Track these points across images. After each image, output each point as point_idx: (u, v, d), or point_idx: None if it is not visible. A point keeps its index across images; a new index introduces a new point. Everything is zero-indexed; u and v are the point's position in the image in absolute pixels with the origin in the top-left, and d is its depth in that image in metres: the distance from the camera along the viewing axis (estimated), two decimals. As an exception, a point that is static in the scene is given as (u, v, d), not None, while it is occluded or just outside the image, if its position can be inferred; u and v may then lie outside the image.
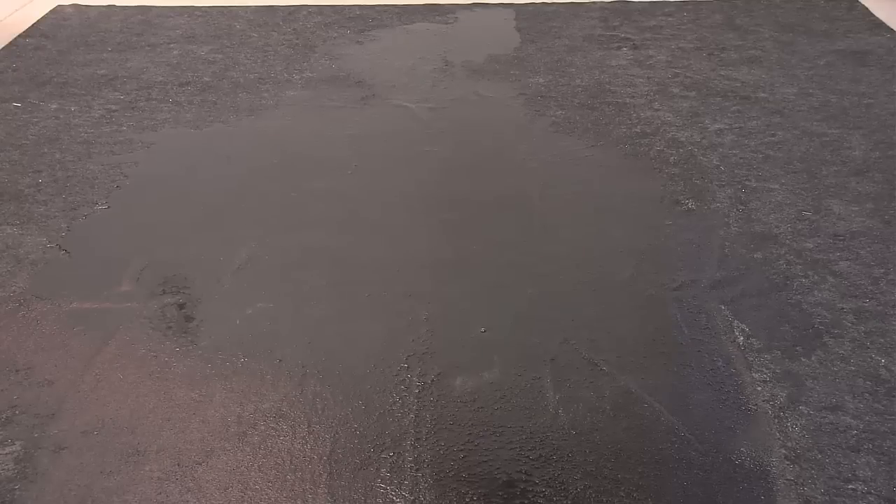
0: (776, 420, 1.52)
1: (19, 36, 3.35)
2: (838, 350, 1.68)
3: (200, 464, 1.46)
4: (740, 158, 2.38)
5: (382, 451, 1.48)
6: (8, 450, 1.49)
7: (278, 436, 1.52)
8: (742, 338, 1.72)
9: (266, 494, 1.40)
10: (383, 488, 1.41)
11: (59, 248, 2.05)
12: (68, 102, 2.80)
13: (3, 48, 3.23)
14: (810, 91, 2.78)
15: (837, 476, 1.41)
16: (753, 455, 1.45)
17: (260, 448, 1.49)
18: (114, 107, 2.77)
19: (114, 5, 3.70)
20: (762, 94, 2.77)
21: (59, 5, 3.69)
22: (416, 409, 1.56)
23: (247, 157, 2.47)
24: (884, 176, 2.28)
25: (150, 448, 1.49)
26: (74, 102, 2.80)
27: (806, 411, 1.54)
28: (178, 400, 1.60)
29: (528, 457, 1.47)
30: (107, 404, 1.59)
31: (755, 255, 1.97)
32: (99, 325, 1.79)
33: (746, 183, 2.26)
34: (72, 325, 1.79)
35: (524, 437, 1.50)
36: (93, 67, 3.07)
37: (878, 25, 3.30)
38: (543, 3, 3.68)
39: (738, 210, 2.14)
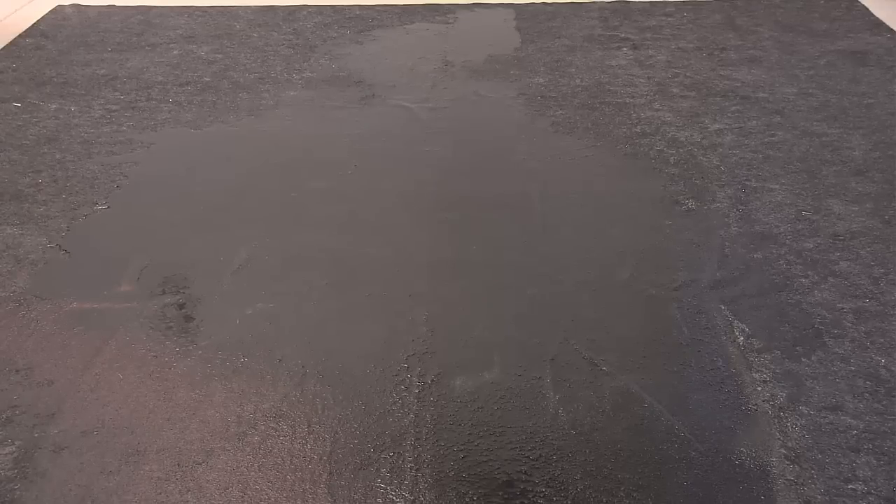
0: (776, 420, 1.52)
1: (19, 36, 3.35)
2: (838, 350, 1.68)
3: (200, 464, 1.46)
4: (740, 158, 2.38)
5: (382, 451, 1.48)
6: (8, 450, 1.49)
7: (278, 436, 1.52)
8: (742, 338, 1.72)
9: (266, 494, 1.40)
10: (383, 488, 1.41)
11: (59, 248, 2.05)
12: (68, 102, 2.80)
13: (3, 48, 3.23)
14: (810, 91, 2.78)
15: (837, 476, 1.41)
16: (753, 455, 1.46)
17: (260, 448, 1.49)
18: (114, 107, 2.77)
19: (114, 5, 3.70)
20: (762, 94, 2.77)
21: (59, 5, 3.69)
22: (416, 409, 1.56)
23: (247, 157, 2.47)
24: (884, 176, 2.28)
25: (150, 448, 1.49)
26: (74, 102, 2.80)
27: (806, 411, 1.54)
28: (178, 400, 1.60)
29: (528, 457, 1.47)
30: (107, 404, 1.59)
31: (755, 255, 1.97)
32: (99, 325, 1.79)
33: (746, 183, 2.26)
34: (72, 325, 1.79)
35: (524, 437, 1.50)
36: (93, 67, 3.07)
37: (878, 25, 3.30)
38: (543, 3, 3.68)
39: (738, 210, 2.14)
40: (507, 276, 1.93)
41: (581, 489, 1.40)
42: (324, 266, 1.97)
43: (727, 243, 2.02)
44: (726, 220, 2.11)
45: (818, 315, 1.78)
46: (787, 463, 1.44)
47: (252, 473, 1.44)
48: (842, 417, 1.52)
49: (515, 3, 3.68)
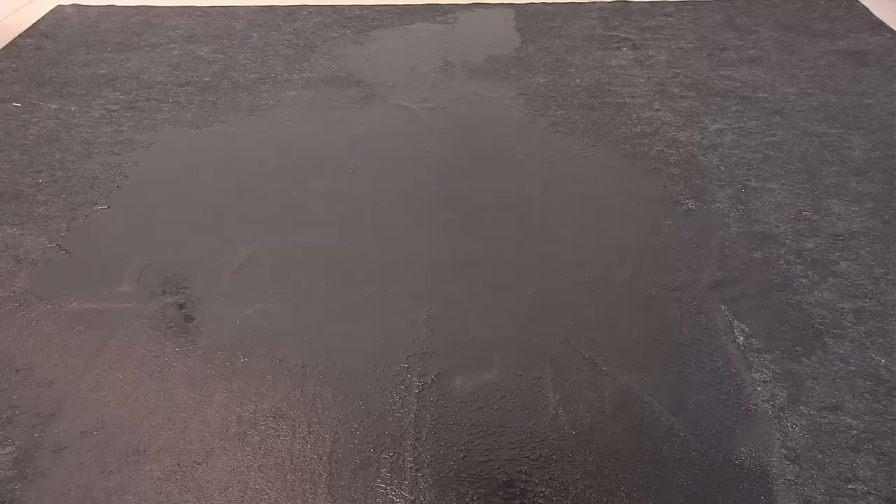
0: (776, 420, 1.52)
1: (19, 36, 3.35)
2: (838, 350, 1.68)
3: (200, 464, 1.46)
4: (740, 158, 2.38)
5: (382, 451, 1.48)
6: (8, 450, 1.49)
7: (278, 436, 1.52)
8: (742, 338, 1.72)
9: (266, 494, 1.40)
10: (383, 488, 1.41)
11: (59, 248, 2.05)
12: (68, 102, 2.80)
13: (3, 48, 3.23)
14: (810, 91, 2.78)
15: (837, 476, 1.41)
16: (753, 455, 1.46)
17: (260, 448, 1.49)
18: (114, 107, 2.77)
19: (114, 5, 3.70)
20: (762, 94, 2.77)
21: (59, 5, 3.69)
22: (416, 409, 1.56)
23: (247, 157, 2.47)
24: (884, 176, 2.28)
25: (150, 448, 1.49)
26: (74, 102, 2.80)
27: (806, 411, 1.54)
28: (178, 400, 1.60)
29: (528, 457, 1.47)
30: (107, 404, 1.59)
31: (755, 255, 1.97)
32: (99, 325, 1.79)
33: (746, 183, 2.26)
34: (72, 325, 1.79)
35: (524, 437, 1.50)
36: (93, 67, 3.07)
37: (878, 25, 3.30)
38: (543, 3, 3.68)
39: (738, 210, 2.14)
40: (507, 276, 1.93)
41: (581, 489, 1.40)
42: (324, 266, 1.97)
43: (727, 243, 2.02)
44: (726, 220, 2.11)
45: (818, 315, 1.78)
46: (787, 463, 1.44)
47: (252, 473, 1.44)
48: (842, 417, 1.52)
49: (515, 3, 3.68)
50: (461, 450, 1.48)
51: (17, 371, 1.67)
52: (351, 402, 1.59)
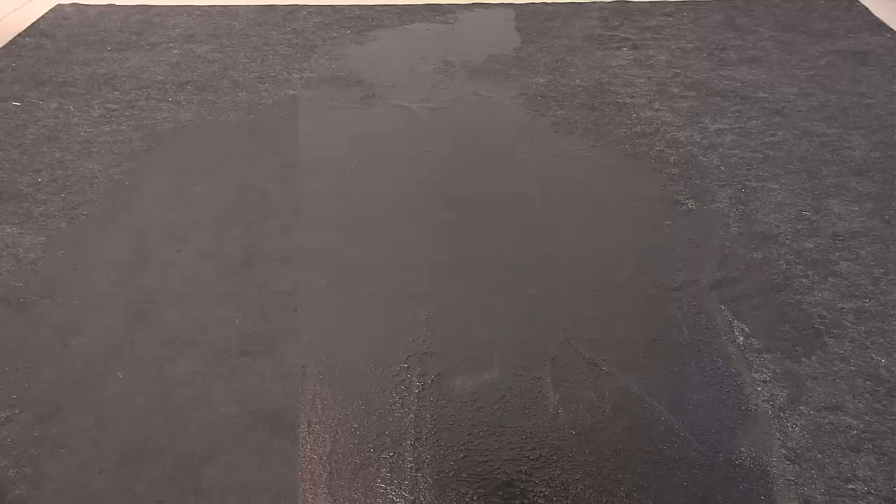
0: (776, 420, 1.52)
1: (19, 35, 3.35)
2: (838, 350, 1.68)
3: (200, 464, 1.46)
4: (740, 158, 2.38)
5: (382, 451, 1.48)
6: (8, 450, 1.49)
7: (278, 436, 1.52)
8: (742, 338, 1.72)
9: (266, 494, 1.40)
10: (383, 488, 1.41)
11: (59, 247, 2.04)
12: (68, 102, 2.79)
13: (3, 48, 3.23)
14: (810, 91, 2.78)
15: (837, 476, 1.41)
16: (753, 455, 1.46)
17: (260, 448, 1.49)
18: (113, 106, 2.77)
19: (114, 5, 3.70)
20: (762, 94, 2.77)
21: (58, 5, 3.69)
22: (416, 409, 1.56)
23: (246, 156, 2.46)
24: (884, 176, 2.28)
25: (150, 448, 1.49)
26: (74, 102, 2.79)
27: (806, 411, 1.54)
28: (178, 400, 1.60)
29: (528, 457, 1.47)
30: (107, 404, 1.59)
31: (755, 255, 1.97)
32: (98, 324, 1.79)
33: (746, 183, 2.26)
34: (72, 325, 1.79)
35: (524, 437, 1.50)
36: (92, 67, 3.07)
37: (878, 25, 3.30)
38: (543, 3, 3.68)
39: (738, 210, 2.14)
40: (507, 276, 1.93)
41: (581, 489, 1.40)
42: (324, 266, 1.97)
43: (727, 243, 2.02)
44: (726, 220, 2.11)
45: (818, 315, 1.78)
46: (787, 463, 1.44)
47: (252, 473, 1.44)
48: (842, 417, 1.53)
49: (515, 3, 3.68)
50: (461, 450, 1.48)
51: (16, 371, 1.67)
52: (351, 402, 1.59)
